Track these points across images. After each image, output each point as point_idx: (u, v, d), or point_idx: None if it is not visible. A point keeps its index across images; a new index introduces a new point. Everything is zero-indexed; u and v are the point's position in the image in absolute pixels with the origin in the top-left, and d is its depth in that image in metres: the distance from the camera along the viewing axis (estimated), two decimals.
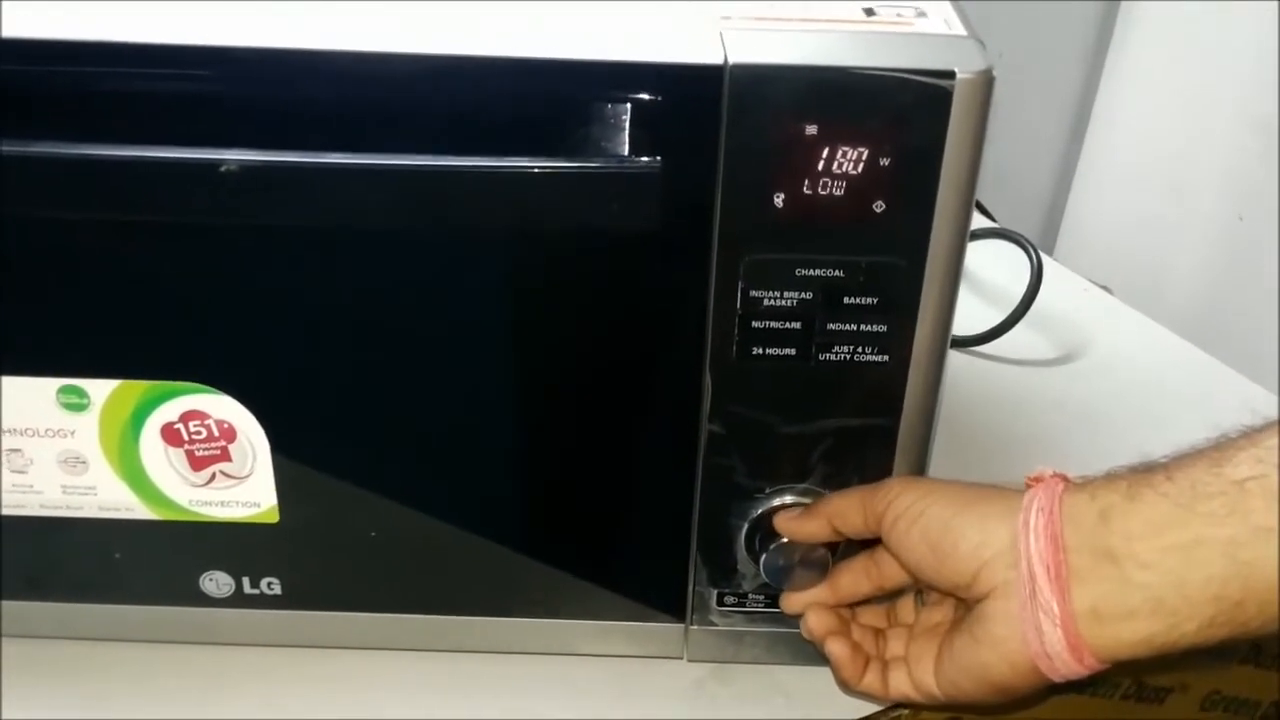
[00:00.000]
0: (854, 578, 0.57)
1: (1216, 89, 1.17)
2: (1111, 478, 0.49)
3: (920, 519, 0.51)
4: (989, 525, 0.50)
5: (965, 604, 0.52)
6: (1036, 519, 0.49)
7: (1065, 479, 0.50)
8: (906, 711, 0.59)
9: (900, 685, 0.55)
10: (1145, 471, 0.48)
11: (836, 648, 0.56)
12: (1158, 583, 0.46)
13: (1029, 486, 0.51)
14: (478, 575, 0.60)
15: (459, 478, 0.58)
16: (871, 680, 0.55)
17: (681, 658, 0.63)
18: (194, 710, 0.60)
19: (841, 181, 0.48)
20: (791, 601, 0.58)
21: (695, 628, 0.61)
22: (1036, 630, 0.48)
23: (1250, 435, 0.46)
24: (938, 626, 0.55)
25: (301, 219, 0.49)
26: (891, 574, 0.56)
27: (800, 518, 0.56)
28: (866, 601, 0.59)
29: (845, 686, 0.57)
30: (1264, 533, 0.44)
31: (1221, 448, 0.46)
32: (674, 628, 0.61)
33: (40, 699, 0.60)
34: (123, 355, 0.54)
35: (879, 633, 0.58)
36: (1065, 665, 0.48)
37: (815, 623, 0.57)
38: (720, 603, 0.60)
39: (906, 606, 0.58)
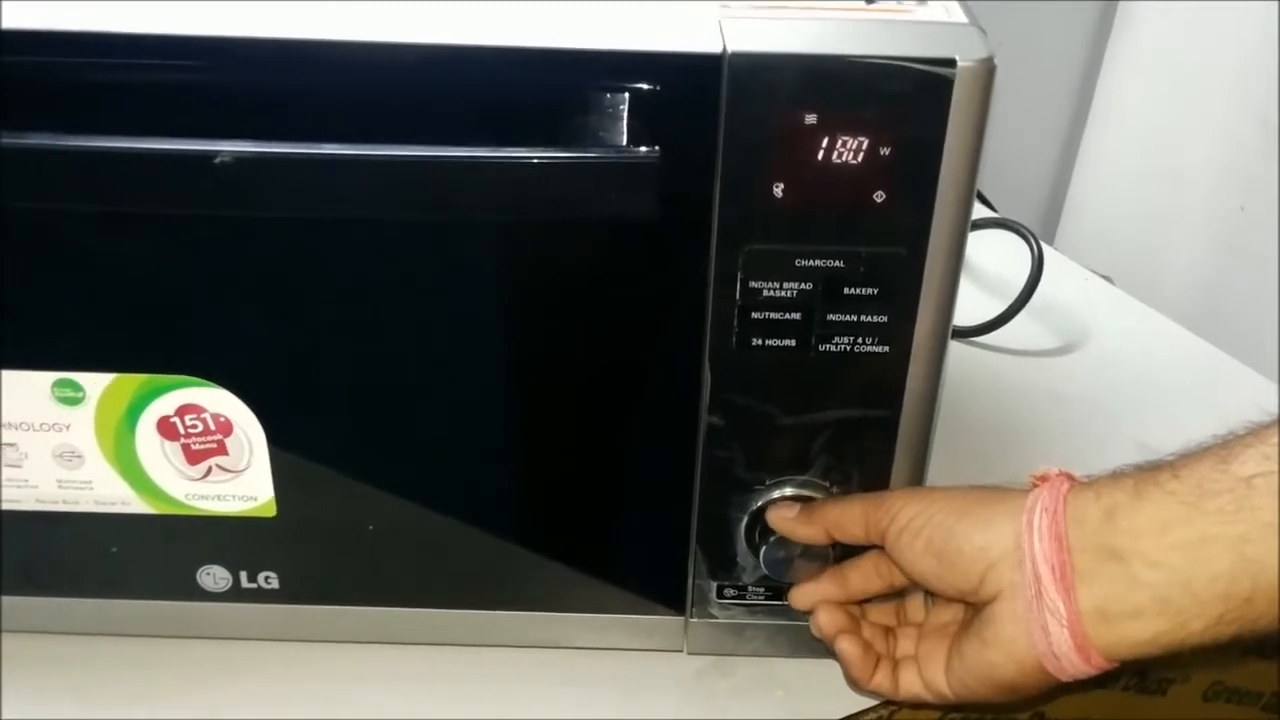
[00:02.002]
0: (864, 576, 0.57)
1: (1216, 79, 1.17)
2: (1117, 476, 0.48)
3: (924, 530, 0.51)
4: (993, 527, 0.49)
5: (974, 606, 0.51)
6: (1040, 519, 0.48)
7: (1070, 478, 0.50)
8: (902, 707, 0.59)
9: (911, 685, 0.54)
10: (1151, 470, 0.47)
11: (847, 646, 0.55)
12: (1165, 581, 0.45)
13: (1034, 485, 0.50)
14: (477, 569, 0.60)
15: (457, 470, 0.57)
16: (882, 680, 0.55)
17: (681, 650, 0.62)
18: (192, 705, 0.60)
19: (841, 171, 0.48)
20: (800, 597, 0.58)
21: (695, 620, 0.61)
22: (1043, 631, 0.47)
23: (1256, 432, 0.45)
24: (947, 626, 0.54)
25: (297, 211, 0.48)
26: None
27: (796, 521, 0.55)
28: (876, 598, 0.58)
29: (855, 685, 0.56)
30: (1273, 529, 0.43)
31: (1228, 445, 0.46)
32: (674, 620, 0.61)
33: (38, 694, 0.59)
34: (118, 348, 0.54)
35: (889, 631, 0.57)
36: (1073, 665, 0.48)
37: (826, 621, 0.56)
38: (720, 595, 0.60)
39: (916, 605, 0.58)
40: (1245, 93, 1.15)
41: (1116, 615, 0.46)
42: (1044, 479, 0.50)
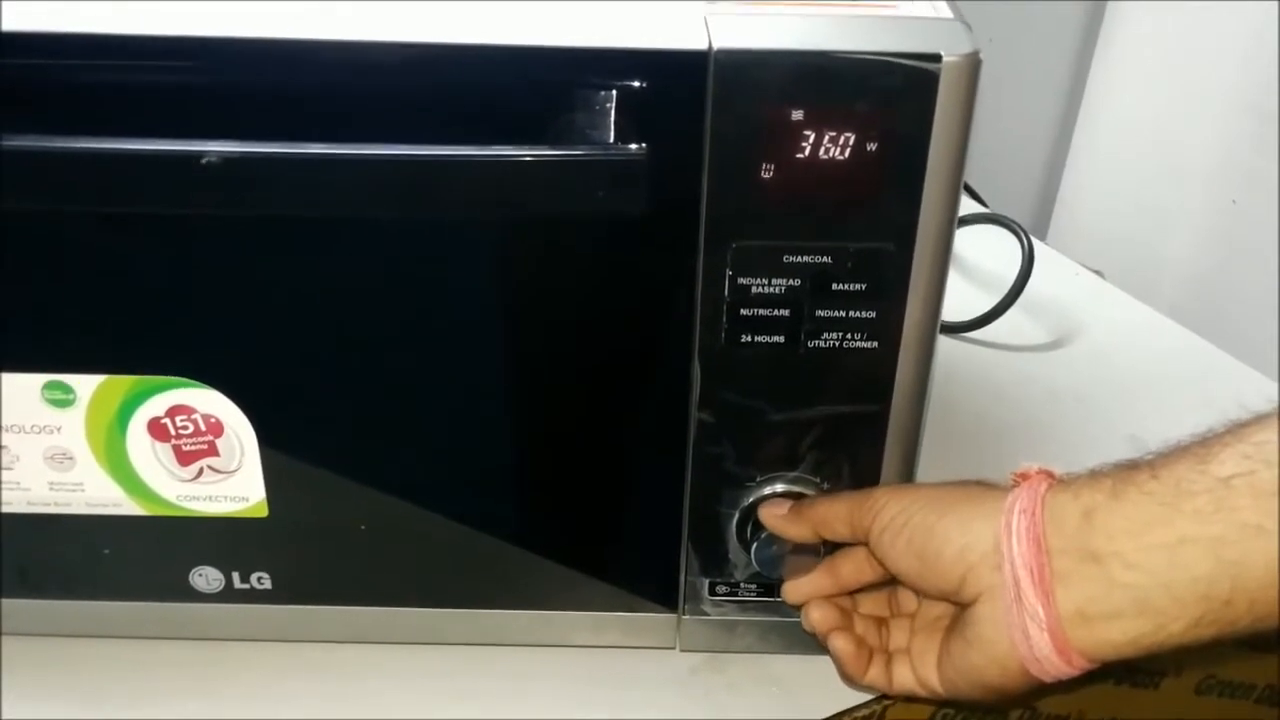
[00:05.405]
0: (856, 566, 0.57)
1: (1209, 72, 1.17)
2: (1095, 476, 0.48)
3: (905, 529, 0.51)
4: (972, 529, 0.49)
5: (959, 605, 0.51)
6: (1018, 521, 0.48)
7: (1050, 476, 0.50)
8: (895, 703, 0.59)
9: (905, 680, 0.54)
10: (1129, 469, 0.47)
11: (841, 644, 0.55)
12: (1143, 583, 0.45)
13: (1015, 484, 0.50)
14: (469, 568, 0.60)
15: (448, 470, 0.57)
16: (876, 675, 0.55)
17: (674, 648, 0.63)
18: (185, 706, 0.60)
19: (828, 167, 0.48)
20: (793, 592, 0.58)
21: (688, 618, 0.61)
22: (1023, 634, 0.47)
23: (1235, 431, 0.45)
24: (939, 619, 0.54)
25: (284, 210, 0.48)
26: None
27: (786, 519, 0.55)
28: (868, 588, 0.58)
29: (849, 682, 0.56)
30: (1251, 531, 0.43)
31: (1206, 444, 0.46)
32: (666, 618, 0.61)
33: (31, 696, 0.59)
34: (108, 350, 0.54)
35: (882, 622, 0.57)
36: (1054, 667, 0.48)
37: (818, 618, 0.56)
38: (712, 592, 0.60)
39: (908, 594, 0.58)
40: (1239, 85, 1.15)
41: (1095, 617, 0.46)
42: (1025, 477, 0.50)
